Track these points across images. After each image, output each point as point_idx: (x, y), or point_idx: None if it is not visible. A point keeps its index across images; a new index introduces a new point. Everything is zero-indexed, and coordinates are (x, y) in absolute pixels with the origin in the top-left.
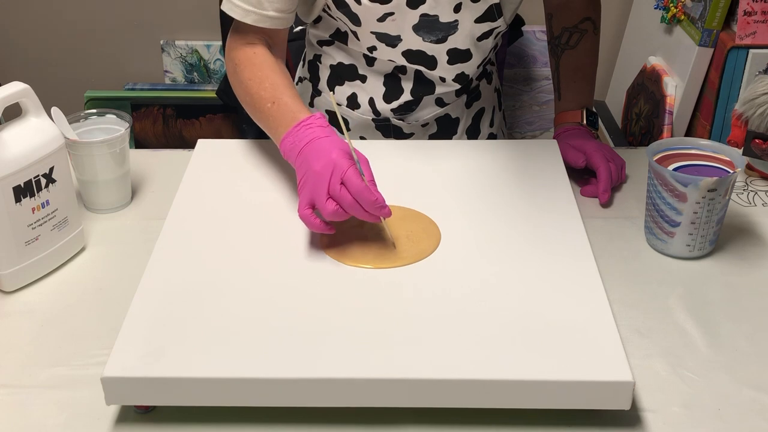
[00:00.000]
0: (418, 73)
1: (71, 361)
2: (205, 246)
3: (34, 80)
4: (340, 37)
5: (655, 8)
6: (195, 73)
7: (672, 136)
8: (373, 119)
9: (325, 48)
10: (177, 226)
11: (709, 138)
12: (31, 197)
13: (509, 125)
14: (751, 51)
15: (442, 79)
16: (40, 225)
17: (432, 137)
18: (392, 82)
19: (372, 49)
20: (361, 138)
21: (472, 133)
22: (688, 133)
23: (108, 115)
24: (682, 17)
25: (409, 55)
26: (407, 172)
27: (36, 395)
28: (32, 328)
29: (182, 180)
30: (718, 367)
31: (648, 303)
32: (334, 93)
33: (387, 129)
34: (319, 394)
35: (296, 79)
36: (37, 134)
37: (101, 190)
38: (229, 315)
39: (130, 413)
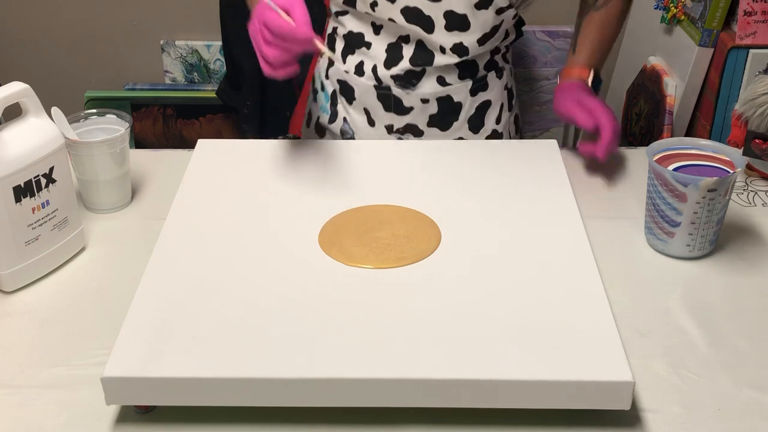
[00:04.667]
0: (419, 42)
1: (71, 361)
2: (205, 246)
3: (34, 80)
4: (349, 1)
5: (655, 8)
6: (195, 73)
7: (672, 136)
8: (375, 86)
9: (340, 18)
10: (177, 226)
11: (709, 138)
12: (31, 197)
13: None
14: (751, 51)
15: (442, 50)
16: (40, 225)
17: (432, 118)
18: (394, 49)
19: (374, 5)
20: (365, 110)
21: (476, 125)
22: (688, 133)
23: (108, 115)
24: (682, 17)
25: (407, 13)
26: (407, 172)
27: (36, 395)
28: (32, 328)
29: (182, 180)
30: (718, 367)
31: (648, 303)
32: (345, 62)
33: (388, 99)
34: (319, 394)
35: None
36: (37, 134)
37: (101, 190)
38: (229, 315)
39: (130, 413)
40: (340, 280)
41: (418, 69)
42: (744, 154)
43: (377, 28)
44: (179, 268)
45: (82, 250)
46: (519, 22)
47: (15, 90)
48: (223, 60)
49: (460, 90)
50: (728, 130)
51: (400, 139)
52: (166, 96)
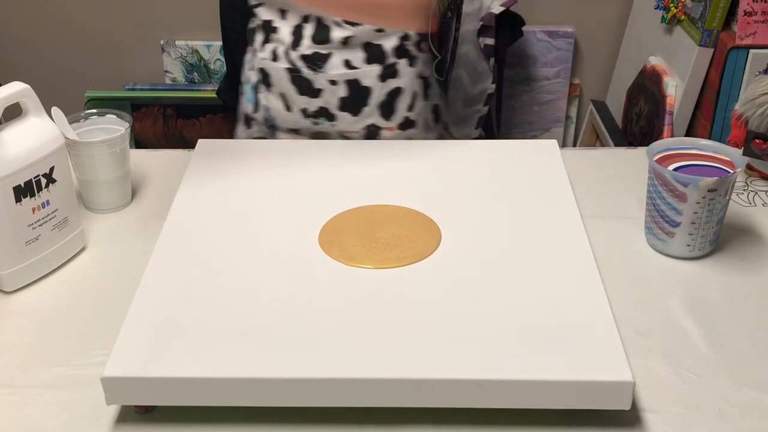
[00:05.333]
0: (318, 20)
1: (71, 361)
2: (205, 246)
3: (34, 80)
4: None
5: (655, 8)
6: (195, 73)
7: (672, 136)
8: (287, 69)
9: (255, 10)
10: (177, 226)
11: (709, 138)
12: (31, 197)
13: (509, 125)
14: (752, 51)
15: (337, 24)
16: (41, 225)
17: (343, 101)
18: (297, 30)
19: None
20: (282, 95)
21: (387, 111)
22: (688, 133)
23: (108, 115)
24: (683, 17)
25: None
26: (407, 172)
27: (36, 395)
28: (32, 328)
29: (182, 180)
30: (718, 367)
31: (648, 303)
32: (263, 51)
33: (300, 82)
34: (319, 394)
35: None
36: (37, 134)
37: (101, 190)
38: (229, 315)
39: (130, 413)
40: (340, 280)
41: (323, 51)
42: (744, 154)
43: (283, 13)
44: (179, 267)
45: (82, 250)
46: (519, 23)
47: (15, 90)
48: (223, 60)
49: (367, 75)
50: (728, 130)
51: (315, 124)
52: (166, 96)
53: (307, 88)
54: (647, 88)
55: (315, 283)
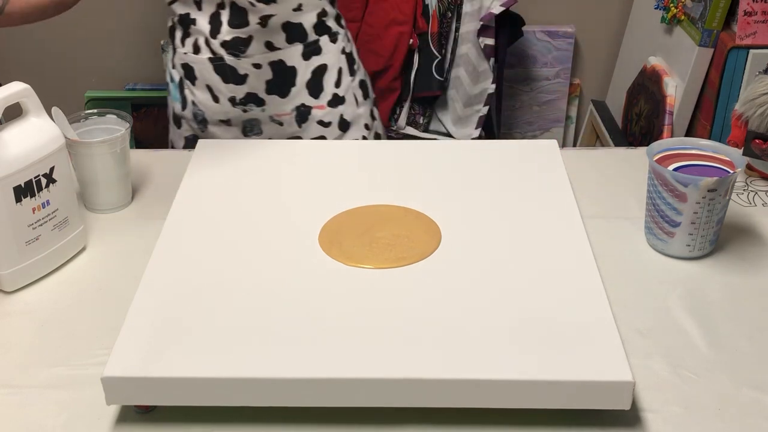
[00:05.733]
0: (232, 4)
1: (71, 361)
2: (205, 246)
3: (34, 80)
4: None
5: (655, 8)
6: None
7: (672, 136)
8: (209, 59)
9: (171, 7)
10: (177, 226)
11: (709, 138)
12: (31, 197)
13: (509, 125)
14: (752, 51)
15: (252, 4)
16: (41, 225)
17: (269, 84)
18: (215, 17)
19: None
20: (207, 87)
21: (315, 90)
22: (688, 133)
23: (108, 115)
24: (683, 17)
25: None
26: (407, 172)
27: (36, 395)
28: (32, 328)
29: (182, 180)
30: (718, 367)
31: (648, 303)
32: (184, 46)
33: (224, 70)
34: (319, 394)
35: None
36: (37, 134)
37: (101, 190)
38: (229, 315)
39: (130, 413)
40: (340, 280)
41: (243, 35)
42: (744, 154)
43: (199, 4)
44: (179, 267)
45: (83, 250)
46: (519, 23)
47: (15, 90)
48: None
49: (290, 54)
50: (728, 130)
51: (244, 111)
52: (167, 96)
53: (232, 76)
54: (647, 88)
55: (315, 283)
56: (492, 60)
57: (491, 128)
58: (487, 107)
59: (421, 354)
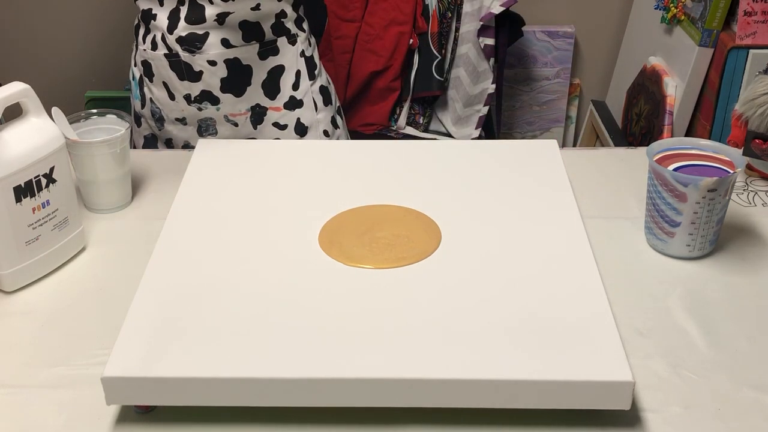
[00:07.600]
0: (192, 1)
1: (71, 361)
2: (205, 246)
3: (34, 80)
4: None
5: (655, 8)
6: None
7: (672, 136)
8: (165, 54)
9: (137, 3)
10: (177, 226)
11: (709, 138)
12: (31, 197)
13: (509, 125)
14: (752, 51)
15: (210, 1)
16: (41, 225)
17: (224, 82)
18: (174, 13)
19: None
20: (164, 84)
21: (271, 90)
22: (688, 133)
23: (108, 115)
24: (683, 17)
25: None
26: (407, 172)
27: (36, 395)
28: (32, 328)
29: (182, 180)
30: (718, 367)
31: (648, 303)
32: (144, 43)
33: (179, 67)
34: (319, 394)
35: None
36: (37, 134)
37: (101, 190)
38: (229, 315)
39: (130, 413)
40: (340, 280)
41: (200, 32)
42: (744, 154)
43: (161, 0)
44: (179, 268)
45: (83, 250)
46: (519, 22)
47: (15, 90)
48: None
49: (246, 52)
50: (728, 130)
51: (200, 109)
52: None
53: (187, 72)
54: (647, 88)
55: (315, 283)
56: (492, 60)
57: (491, 128)
58: (487, 107)
59: (421, 354)
